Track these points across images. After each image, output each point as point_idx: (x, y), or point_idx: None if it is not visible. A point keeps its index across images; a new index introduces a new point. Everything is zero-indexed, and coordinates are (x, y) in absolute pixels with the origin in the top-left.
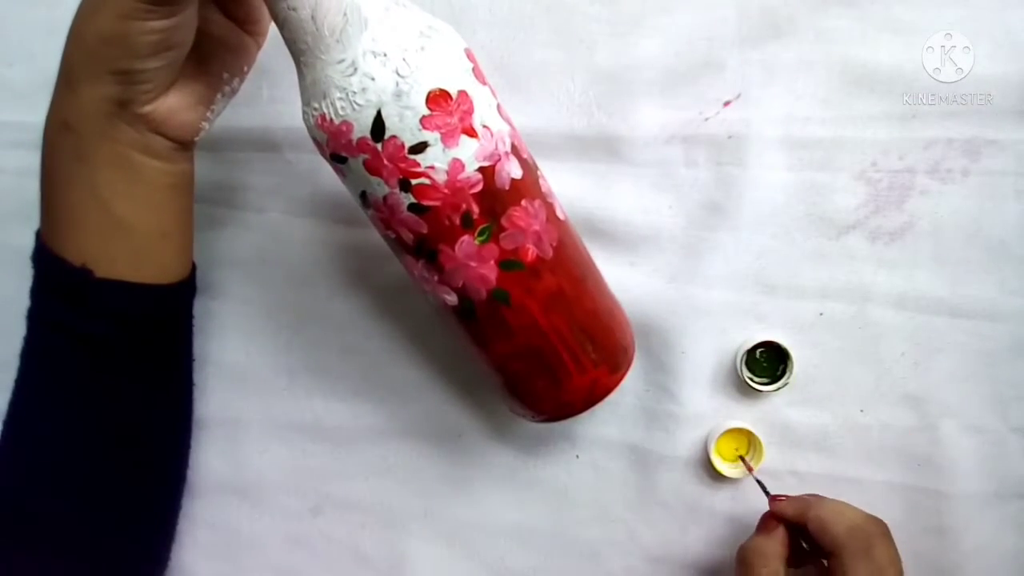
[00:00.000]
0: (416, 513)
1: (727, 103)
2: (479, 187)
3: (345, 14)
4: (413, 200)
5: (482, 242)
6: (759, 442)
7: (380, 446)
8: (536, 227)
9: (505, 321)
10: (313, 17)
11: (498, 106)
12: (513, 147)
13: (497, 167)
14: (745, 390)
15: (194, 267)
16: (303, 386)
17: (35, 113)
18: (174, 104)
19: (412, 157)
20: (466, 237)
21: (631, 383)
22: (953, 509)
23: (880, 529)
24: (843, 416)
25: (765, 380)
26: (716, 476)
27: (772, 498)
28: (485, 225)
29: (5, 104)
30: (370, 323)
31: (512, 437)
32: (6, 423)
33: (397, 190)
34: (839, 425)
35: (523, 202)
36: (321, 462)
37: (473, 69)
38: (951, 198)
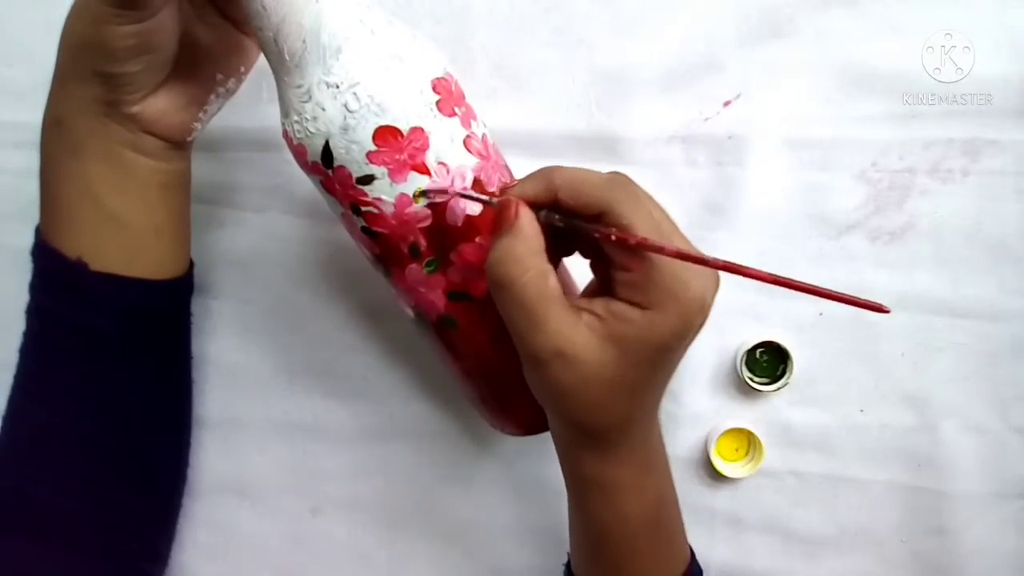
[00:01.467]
0: (416, 513)
1: (727, 103)
2: (427, 222)
3: (304, 41)
4: (364, 223)
5: (430, 272)
6: (759, 442)
7: (380, 446)
8: None
9: (455, 344)
10: (275, 39)
11: (467, 138)
12: (476, 182)
13: (450, 204)
14: (745, 390)
15: (191, 264)
16: (303, 386)
17: (35, 113)
18: (164, 105)
19: (360, 187)
20: (414, 265)
21: None
22: (953, 509)
23: (624, 177)
24: (843, 416)
25: (765, 380)
26: (716, 476)
27: (502, 189)
28: (432, 258)
29: (5, 104)
30: (370, 323)
31: (512, 437)
32: (6, 416)
33: (350, 212)
34: (839, 425)
35: (478, 239)
36: (321, 462)
37: (439, 102)
38: (951, 198)
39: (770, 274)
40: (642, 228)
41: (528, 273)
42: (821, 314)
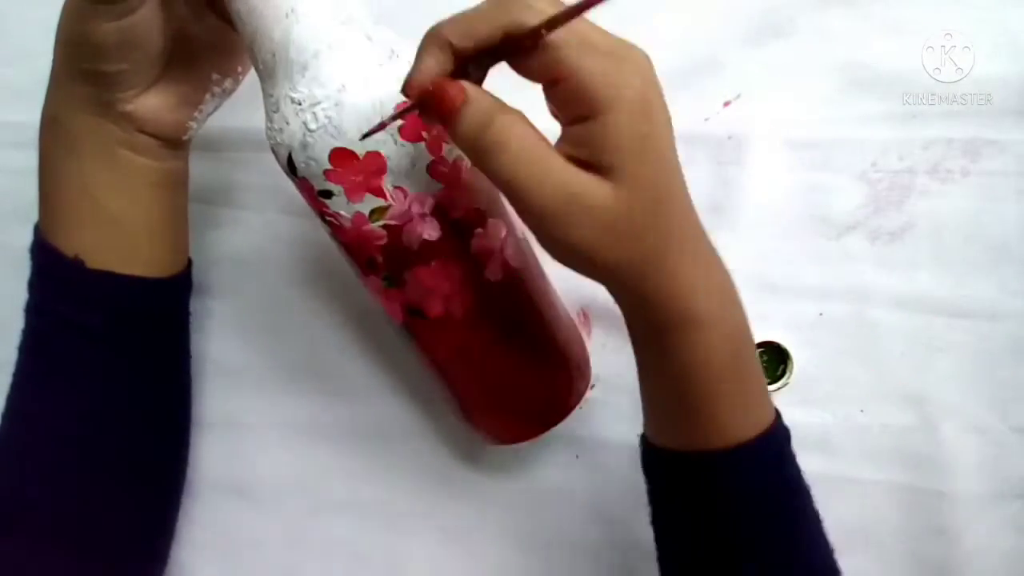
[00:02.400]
0: (416, 513)
1: (727, 103)
2: (383, 241)
3: (274, 54)
4: (329, 231)
5: (388, 286)
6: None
7: (380, 446)
8: (446, 288)
9: (416, 350)
10: (250, 48)
11: (433, 163)
12: (436, 208)
13: (406, 227)
14: None
15: (190, 263)
16: (303, 386)
17: (35, 113)
18: (157, 104)
19: (321, 199)
20: (373, 277)
21: (630, 383)
22: (953, 509)
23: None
24: (843, 416)
25: (765, 380)
26: None
27: (407, 84)
28: (388, 274)
29: (5, 104)
30: (370, 322)
31: None
32: (4, 415)
33: (319, 218)
34: (839, 425)
35: (434, 263)
36: (321, 462)
37: (402, 127)
38: (951, 198)
39: None
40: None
41: (516, 128)
42: (821, 314)
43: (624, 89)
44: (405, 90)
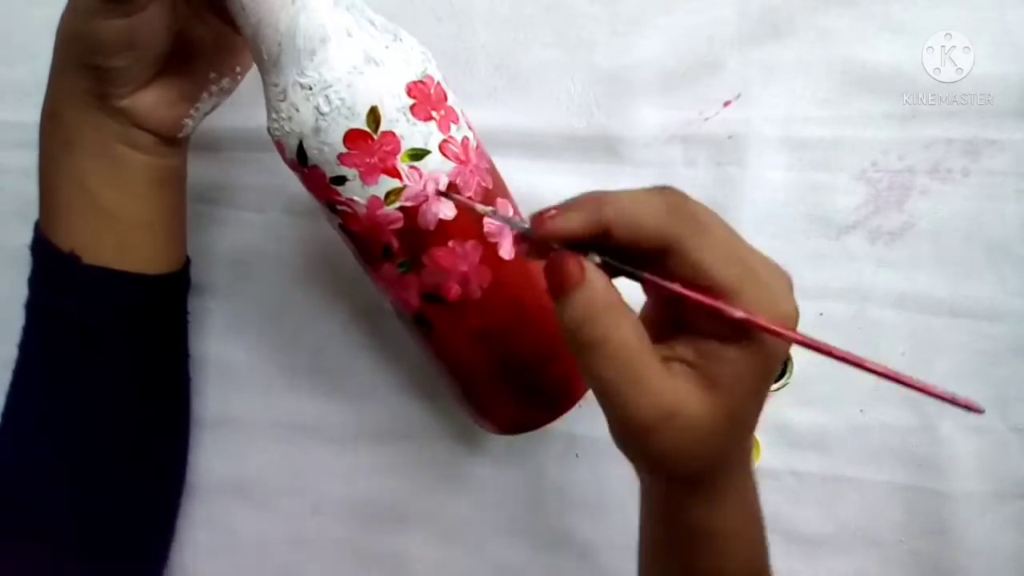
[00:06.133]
0: (416, 513)
1: (727, 103)
2: (399, 224)
3: (280, 43)
4: (340, 221)
5: (403, 273)
6: (756, 441)
7: (380, 446)
8: (463, 268)
9: (431, 343)
10: (254, 39)
11: (444, 142)
12: (451, 186)
13: (422, 208)
14: None
15: (188, 261)
16: (303, 386)
17: (36, 113)
18: (154, 100)
19: (333, 187)
20: (388, 265)
21: None
22: (953, 509)
23: (681, 198)
24: (843, 416)
25: None
26: None
27: (540, 216)
28: (405, 259)
29: (6, 104)
30: (370, 322)
31: (512, 436)
32: (4, 412)
33: (327, 209)
34: (839, 425)
35: (450, 243)
36: (321, 462)
37: (413, 106)
38: (951, 198)
39: (884, 368)
40: (718, 264)
41: (621, 329)
42: (821, 314)
43: (781, 315)
44: (535, 222)
